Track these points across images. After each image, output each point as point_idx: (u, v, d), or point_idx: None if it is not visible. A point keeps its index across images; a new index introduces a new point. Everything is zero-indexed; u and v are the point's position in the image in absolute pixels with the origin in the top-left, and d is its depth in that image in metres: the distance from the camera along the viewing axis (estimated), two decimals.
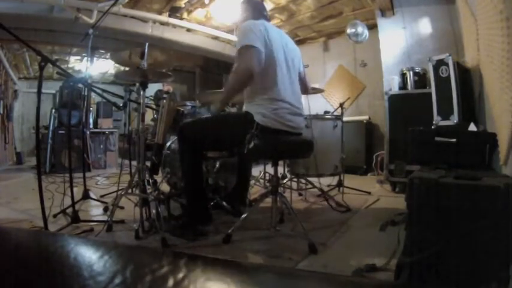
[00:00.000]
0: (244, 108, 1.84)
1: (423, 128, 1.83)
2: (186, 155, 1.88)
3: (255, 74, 1.63)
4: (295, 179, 2.99)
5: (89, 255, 0.39)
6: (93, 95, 4.97)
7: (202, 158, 2.29)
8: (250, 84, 1.70)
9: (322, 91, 3.39)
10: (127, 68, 2.49)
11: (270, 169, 3.21)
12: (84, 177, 2.58)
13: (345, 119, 2.89)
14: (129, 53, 2.04)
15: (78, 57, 6.73)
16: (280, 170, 2.72)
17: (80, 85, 3.73)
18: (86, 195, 2.54)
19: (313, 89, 3.00)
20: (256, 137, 1.66)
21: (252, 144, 1.66)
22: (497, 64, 1.60)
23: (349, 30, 4.08)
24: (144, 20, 4.53)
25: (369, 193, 3.05)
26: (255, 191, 3.03)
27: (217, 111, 1.91)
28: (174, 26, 4.77)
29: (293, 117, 1.79)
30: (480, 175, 1.15)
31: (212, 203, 2.35)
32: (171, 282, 0.31)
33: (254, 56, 1.63)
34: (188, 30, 5.03)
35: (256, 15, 1.93)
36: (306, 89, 2.15)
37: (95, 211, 2.46)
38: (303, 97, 2.04)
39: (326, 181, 3.11)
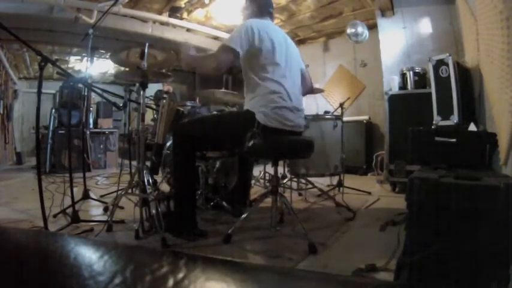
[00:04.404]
0: (245, 106, 1.83)
1: (423, 128, 1.83)
2: (181, 156, 1.82)
3: (219, 71, 1.75)
4: (295, 179, 2.99)
5: (89, 255, 0.39)
6: (93, 95, 4.96)
7: (200, 158, 2.28)
8: (215, 75, 1.83)
9: (322, 91, 3.39)
10: (127, 68, 2.49)
11: (270, 169, 3.21)
12: (84, 177, 2.58)
13: (345, 119, 2.88)
14: (127, 53, 2.05)
15: (78, 57, 6.72)
16: (280, 170, 2.72)
17: (80, 85, 3.72)
18: (86, 195, 2.54)
19: (314, 88, 3.00)
20: (257, 136, 1.67)
21: (251, 143, 1.66)
22: (497, 64, 1.60)
23: (349, 30, 4.08)
24: (144, 20, 4.53)
25: (369, 193, 3.05)
26: (255, 191, 3.02)
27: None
28: (174, 26, 4.77)
29: (294, 116, 1.79)
30: (480, 175, 1.15)
31: (212, 203, 2.36)
32: (171, 282, 0.31)
33: (227, 57, 1.72)
34: (188, 30, 5.02)
35: (261, 12, 1.93)
36: (309, 88, 2.15)
37: (95, 211, 2.46)
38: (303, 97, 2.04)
39: (326, 181, 3.11)
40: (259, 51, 1.73)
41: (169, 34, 4.82)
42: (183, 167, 1.82)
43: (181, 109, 2.50)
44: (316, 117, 2.69)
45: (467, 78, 2.63)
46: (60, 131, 4.64)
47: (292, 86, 1.82)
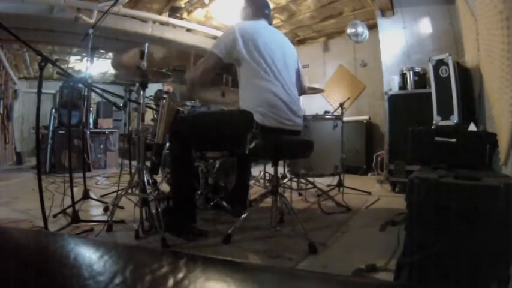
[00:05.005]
0: (241, 105, 1.83)
1: (423, 128, 1.83)
2: (178, 155, 1.82)
3: (210, 76, 1.87)
4: (295, 179, 2.99)
5: (89, 255, 0.39)
6: (93, 95, 4.96)
7: (200, 158, 2.28)
8: (207, 81, 1.92)
9: (322, 91, 3.39)
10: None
11: (270, 169, 3.21)
12: (84, 177, 2.58)
13: (345, 119, 2.88)
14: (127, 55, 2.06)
15: (78, 57, 6.72)
16: (280, 170, 2.72)
17: (80, 85, 3.72)
18: (86, 195, 2.54)
19: (313, 89, 3.00)
20: (258, 137, 1.67)
21: (253, 144, 1.66)
22: (497, 64, 1.60)
23: (349, 30, 4.08)
24: (144, 20, 4.53)
25: (369, 193, 3.05)
26: (255, 191, 3.03)
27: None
28: (174, 26, 4.77)
29: (292, 115, 1.80)
30: (480, 175, 1.15)
31: (212, 203, 2.36)
32: (171, 282, 0.31)
33: (211, 62, 1.80)
34: (188, 30, 5.02)
35: (257, 14, 1.94)
36: (303, 89, 2.15)
37: (95, 211, 2.46)
38: (303, 97, 2.05)
39: (326, 181, 3.11)
40: (247, 55, 1.73)
41: (169, 34, 4.82)
42: (181, 166, 1.82)
43: (181, 109, 2.50)
44: (316, 117, 2.69)
45: (467, 78, 2.63)
46: (60, 131, 4.64)
47: (289, 86, 1.82)
